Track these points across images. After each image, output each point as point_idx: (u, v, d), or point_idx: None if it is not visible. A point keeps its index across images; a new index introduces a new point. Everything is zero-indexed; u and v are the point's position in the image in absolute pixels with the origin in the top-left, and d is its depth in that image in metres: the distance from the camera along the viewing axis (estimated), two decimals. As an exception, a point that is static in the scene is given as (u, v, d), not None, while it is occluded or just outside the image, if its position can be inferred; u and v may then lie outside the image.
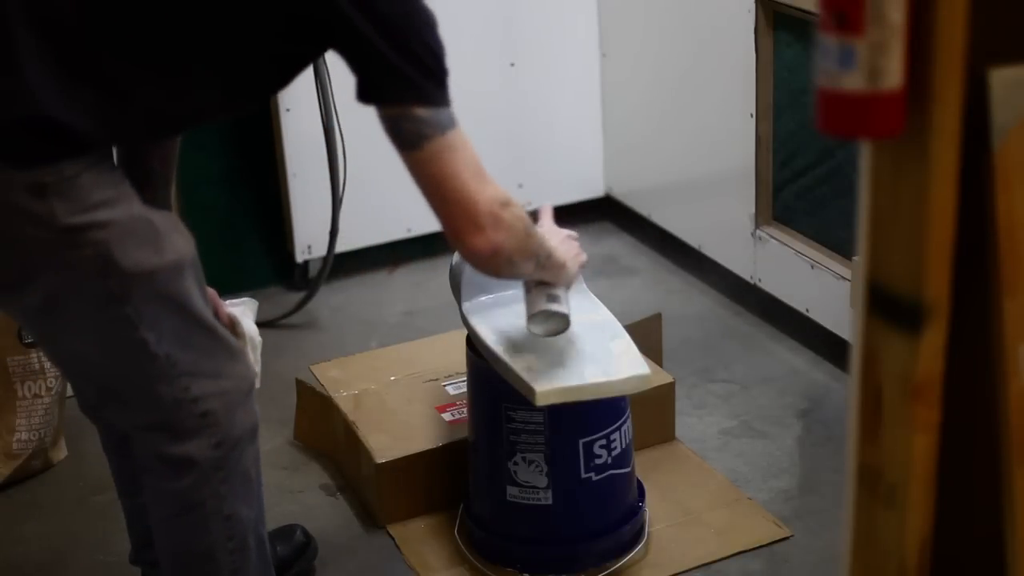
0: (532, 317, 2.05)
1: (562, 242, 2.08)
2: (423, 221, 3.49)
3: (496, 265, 1.83)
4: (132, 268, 1.70)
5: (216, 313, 1.97)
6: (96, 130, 1.67)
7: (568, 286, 2.09)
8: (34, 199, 1.64)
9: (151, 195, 1.93)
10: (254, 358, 2.02)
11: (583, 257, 2.13)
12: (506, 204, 1.78)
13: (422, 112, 1.68)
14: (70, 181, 1.65)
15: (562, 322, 2.07)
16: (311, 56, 1.81)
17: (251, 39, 1.69)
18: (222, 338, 1.85)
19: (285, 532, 2.35)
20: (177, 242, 1.77)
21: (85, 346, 1.81)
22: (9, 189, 1.65)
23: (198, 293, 1.80)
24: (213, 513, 1.88)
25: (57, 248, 1.68)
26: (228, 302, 2.05)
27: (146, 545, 2.13)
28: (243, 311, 2.05)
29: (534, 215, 2.05)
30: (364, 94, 1.71)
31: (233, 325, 2.01)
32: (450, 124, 1.71)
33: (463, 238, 1.77)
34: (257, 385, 1.99)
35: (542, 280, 2.03)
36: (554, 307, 2.04)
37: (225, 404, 1.83)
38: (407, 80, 1.67)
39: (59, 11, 1.62)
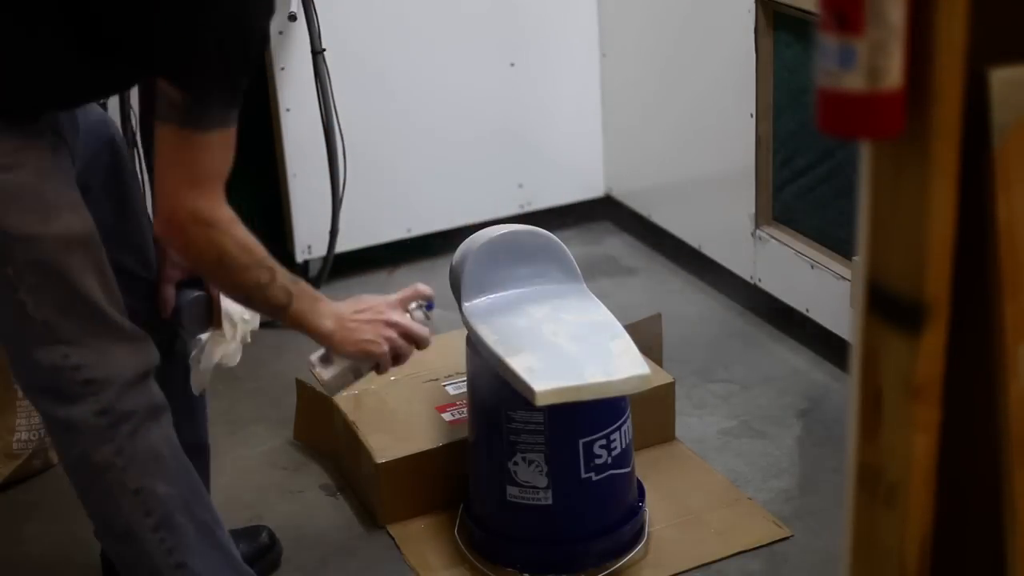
0: (310, 358, 2.02)
1: (368, 320, 1.96)
2: (423, 221, 3.51)
3: (181, 254, 1.86)
4: (12, 230, 1.76)
5: (208, 286, 2.02)
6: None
7: (352, 359, 1.99)
8: None
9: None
10: (231, 335, 2.04)
11: (379, 347, 1.96)
12: (202, 223, 1.76)
13: (175, 94, 1.70)
14: None
15: (320, 386, 2.05)
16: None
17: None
18: (114, 321, 1.85)
19: (251, 532, 2.36)
20: (68, 219, 1.79)
21: None
22: None
23: (92, 275, 1.82)
24: (116, 484, 1.89)
25: None
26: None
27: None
28: (231, 310, 2.06)
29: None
30: (145, 62, 1.76)
31: (222, 301, 2.03)
32: (198, 125, 1.72)
33: (154, 213, 1.80)
34: (230, 364, 2.06)
35: None
36: (317, 368, 2.01)
37: (109, 377, 1.84)
38: (175, 60, 1.71)
39: None
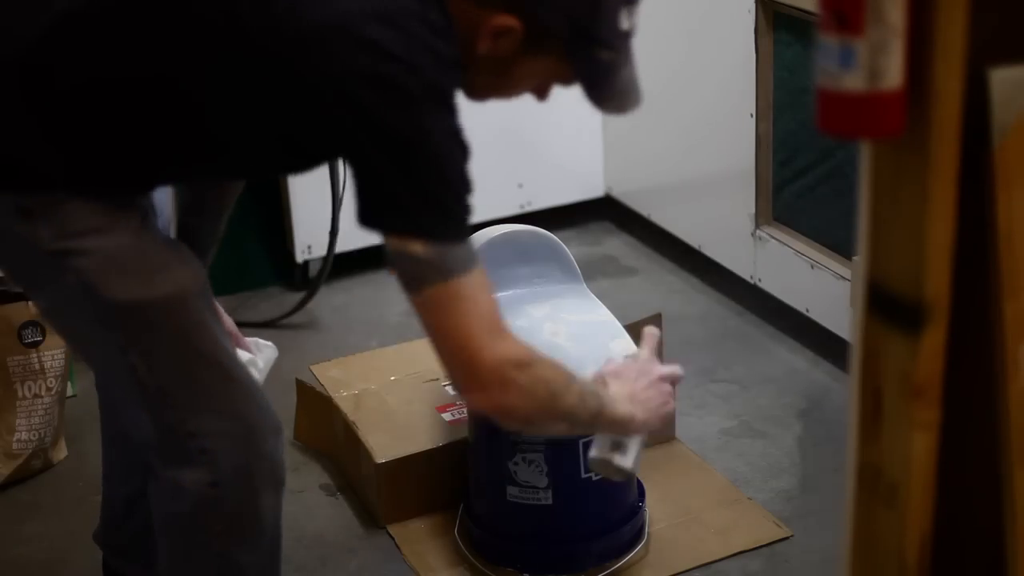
0: (594, 459, 1.89)
1: (648, 387, 1.83)
2: (423, 221, 3.51)
3: (509, 422, 1.69)
4: (115, 299, 1.65)
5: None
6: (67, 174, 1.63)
7: (645, 434, 1.88)
8: (21, 221, 1.63)
9: (199, 222, 1.95)
10: None
11: (670, 406, 1.87)
12: (522, 365, 1.59)
13: (420, 250, 1.52)
14: (56, 206, 1.62)
15: (621, 475, 1.90)
16: (319, 158, 1.75)
17: (256, 127, 1.61)
18: (235, 377, 1.74)
19: None
20: (176, 275, 1.69)
21: (87, 354, 1.81)
22: (3, 210, 1.65)
23: (207, 325, 1.71)
24: (202, 545, 1.79)
25: (43, 270, 1.68)
26: (248, 342, 2.00)
27: (116, 528, 2.14)
28: (251, 360, 1.98)
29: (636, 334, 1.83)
30: (361, 215, 1.57)
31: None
32: (458, 269, 1.54)
33: (464, 392, 1.63)
34: None
35: None
36: (616, 459, 1.86)
37: (230, 445, 1.73)
38: (406, 209, 1.53)
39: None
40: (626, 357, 1.95)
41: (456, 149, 1.55)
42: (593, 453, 1.88)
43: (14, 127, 1.61)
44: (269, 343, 2.03)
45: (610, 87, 1.67)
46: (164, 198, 1.94)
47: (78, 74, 1.59)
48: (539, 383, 1.62)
